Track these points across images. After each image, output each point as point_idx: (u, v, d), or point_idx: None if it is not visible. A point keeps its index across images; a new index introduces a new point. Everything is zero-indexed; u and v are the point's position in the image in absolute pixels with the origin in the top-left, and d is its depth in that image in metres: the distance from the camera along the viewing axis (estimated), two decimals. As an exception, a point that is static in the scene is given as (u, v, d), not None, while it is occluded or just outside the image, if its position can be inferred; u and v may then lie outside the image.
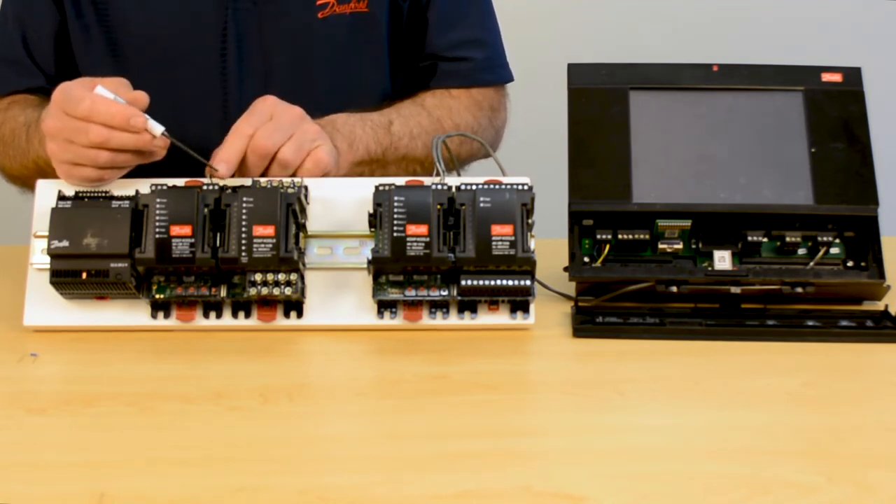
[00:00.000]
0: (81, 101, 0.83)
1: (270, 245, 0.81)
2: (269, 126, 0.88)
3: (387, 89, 1.14)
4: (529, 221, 0.82)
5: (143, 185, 0.85)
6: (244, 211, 0.81)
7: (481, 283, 0.81)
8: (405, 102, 1.10)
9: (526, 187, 0.83)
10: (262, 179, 0.84)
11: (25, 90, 1.09)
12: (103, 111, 0.83)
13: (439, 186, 0.83)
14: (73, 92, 0.85)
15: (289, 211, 0.82)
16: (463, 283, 0.81)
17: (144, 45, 1.06)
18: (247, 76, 1.08)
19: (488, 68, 1.15)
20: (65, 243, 0.81)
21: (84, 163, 0.85)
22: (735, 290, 0.88)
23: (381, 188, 0.83)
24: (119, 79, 0.88)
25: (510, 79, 1.18)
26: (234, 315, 0.84)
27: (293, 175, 0.88)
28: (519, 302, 0.84)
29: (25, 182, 1.06)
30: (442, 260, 0.81)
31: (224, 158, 0.86)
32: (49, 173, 0.94)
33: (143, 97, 0.86)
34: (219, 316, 0.84)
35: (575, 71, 0.96)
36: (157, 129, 0.84)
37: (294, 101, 0.93)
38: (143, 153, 0.86)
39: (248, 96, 1.04)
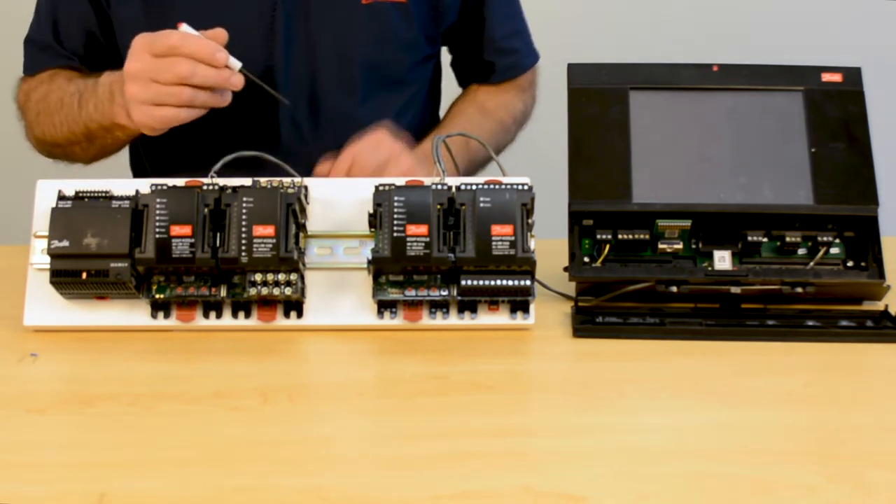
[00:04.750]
0: (169, 36, 0.90)
1: (270, 245, 0.81)
2: (370, 150, 0.98)
3: (427, 76, 1.21)
4: (529, 221, 0.82)
5: (143, 185, 0.85)
6: (244, 211, 0.81)
7: (481, 283, 0.81)
8: (469, 110, 1.19)
9: (526, 187, 0.83)
10: (262, 179, 0.84)
11: (59, 67, 1.13)
12: (191, 44, 0.90)
13: (439, 186, 0.83)
14: (158, 33, 0.91)
15: (289, 211, 0.82)
16: (463, 283, 0.81)
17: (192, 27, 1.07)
18: (292, 58, 1.10)
19: (529, 53, 1.25)
20: (65, 243, 0.81)
21: (165, 101, 0.91)
22: (735, 290, 0.88)
23: (381, 188, 0.83)
24: (184, 24, 0.93)
25: (539, 56, 1.27)
26: (234, 315, 0.84)
27: None
28: (519, 302, 0.84)
29: (66, 150, 1.10)
30: (442, 260, 0.81)
31: (324, 173, 0.98)
32: (97, 137, 1.02)
33: (222, 33, 0.93)
34: (219, 316, 0.84)
35: (575, 71, 0.96)
36: (236, 64, 0.93)
37: (335, 85, 1.05)
38: (217, 93, 0.93)
39: (293, 78, 1.10)
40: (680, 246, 0.91)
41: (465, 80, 1.27)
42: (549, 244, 0.95)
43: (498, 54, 1.21)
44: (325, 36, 1.11)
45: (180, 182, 0.84)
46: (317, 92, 1.12)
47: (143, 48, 0.91)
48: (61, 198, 0.84)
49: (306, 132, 1.13)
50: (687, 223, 0.90)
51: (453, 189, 0.83)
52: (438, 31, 1.19)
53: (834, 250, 0.91)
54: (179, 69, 0.89)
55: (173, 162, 1.16)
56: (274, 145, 1.11)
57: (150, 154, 1.21)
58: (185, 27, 0.91)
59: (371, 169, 0.97)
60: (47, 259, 0.82)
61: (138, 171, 1.25)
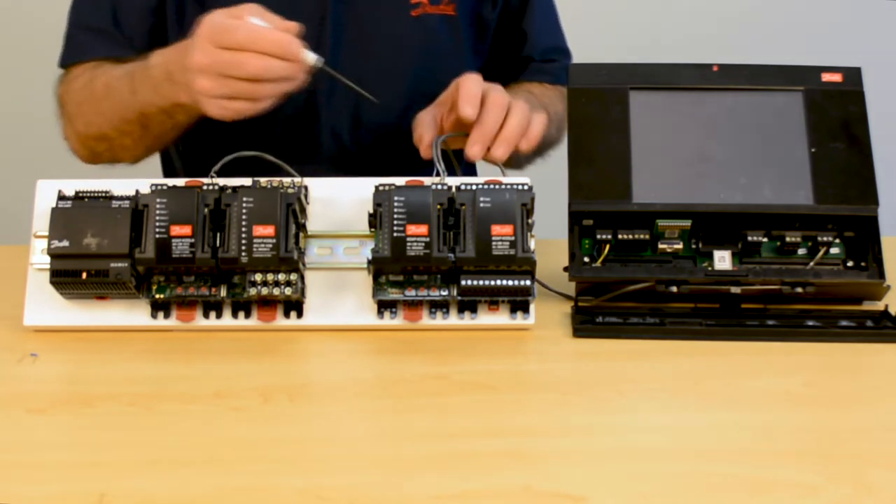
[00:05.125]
0: (237, 30, 0.82)
1: (270, 245, 0.81)
2: (492, 87, 0.92)
3: None
4: (529, 221, 0.82)
5: (143, 185, 0.85)
6: (244, 211, 0.81)
7: (481, 283, 0.81)
8: (517, 91, 1.13)
9: (526, 187, 0.83)
10: (263, 179, 0.84)
11: (111, 58, 1.07)
12: (262, 39, 0.82)
13: (439, 186, 0.83)
14: (224, 22, 0.84)
15: (289, 211, 0.82)
16: (463, 283, 0.81)
17: None
18: (339, 67, 1.08)
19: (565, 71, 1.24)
20: (65, 243, 0.81)
21: (242, 96, 0.85)
22: (735, 290, 0.88)
23: (381, 188, 0.83)
24: (256, 5, 0.86)
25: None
26: (234, 315, 0.84)
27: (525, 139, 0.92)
28: (519, 302, 0.84)
29: (114, 143, 1.03)
30: (442, 260, 0.81)
31: (469, 102, 0.89)
32: (155, 123, 0.96)
33: (295, 25, 0.86)
34: (219, 316, 0.84)
35: (575, 71, 0.96)
36: (311, 57, 0.85)
37: (383, 94, 0.98)
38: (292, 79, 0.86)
39: (338, 86, 1.06)
40: (680, 246, 0.91)
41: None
42: (549, 244, 0.95)
43: (537, 68, 1.21)
44: (374, 46, 1.09)
45: (180, 182, 0.84)
46: (360, 102, 1.09)
47: (207, 38, 0.84)
48: (61, 198, 0.84)
49: (346, 142, 1.12)
50: (687, 223, 0.90)
51: (453, 189, 0.83)
52: (484, 45, 1.18)
53: (834, 250, 0.91)
54: (251, 67, 0.83)
55: (209, 167, 1.14)
56: (314, 154, 1.10)
57: (185, 159, 1.19)
58: (252, 18, 0.84)
59: (507, 101, 0.92)
60: (47, 259, 0.82)
61: (169, 173, 1.23)
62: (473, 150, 0.90)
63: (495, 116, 0.90)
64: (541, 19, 1.20)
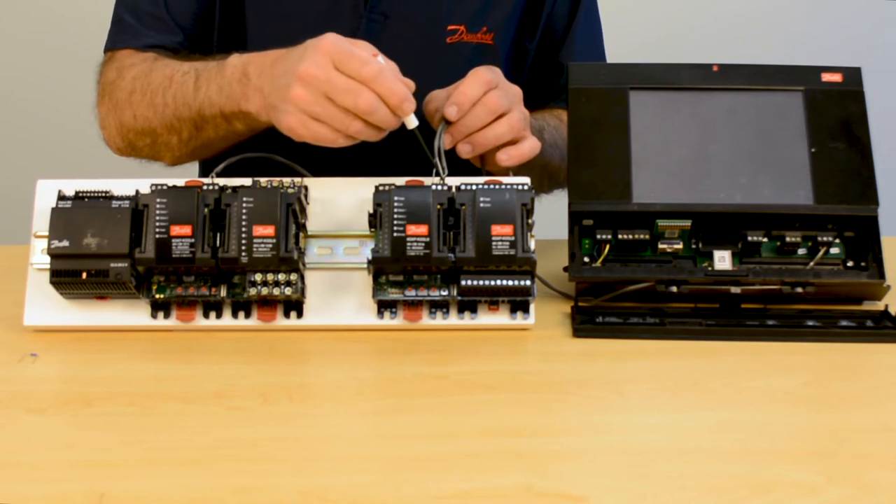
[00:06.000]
0: (368, 65, 0.80)
1: (270, 245, 0.81)
2: (498, 91, 0.88)
3: None
4: (529, 221, 0.82)
5: (144, 185, 0.85)
6: (244, 211, 0.81)
7: (481, 283, 0.81)
8: (546, 115, 1.11)
9: (526, 187, 0.83)
10: (262, 179, 0.84)
11: (162, 46, 1.05)
12: (385, 83, 0.80)
13: (439, 186, 0.83)
14: (354, 50, 0.81)
15: (289, 211, 0.82)
16: (463, 283, 0.81)
17: (274, 38, 0.96)
18: None
19: None
20: (65, 243, 0.81)
21: (332, 124, 0.81)
22: (735, 290, 0.88)
23: (381, 188, 0.83)
24: (370, 45, 0.84)
25: None
26: (234, 315, 0.84)
27: (510, 144, 0.89)
28: (519, 302, 0.84)
29: (158, 140, 0.99)
30: (442, 260, 0.81)
31: (457, 101, 0.87)
32: (210, 126, 0.93)
33: (412, 84, 0.84)
34: (219, 316, 0.84)
35: (575, 71, 0.96)
36: (413, 122, 0.84)
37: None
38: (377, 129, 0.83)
39: None
40: (680, 246, 0.91)
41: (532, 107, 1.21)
42: (549, 244, 0.95)
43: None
44: (404, 68, 1.02)
45: (180, 182, 0.84)
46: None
47: (329, 55, 0.80)
48: (61, 198, 0.84)
49: (367, 149, 1.09)
50: (687, 223, 0.90)
51: (453, 189, 0.83)
52: (521, 75, 1.16)
53: (834, 250, 0.91)
54: (363, 103, 0.80)
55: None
56: (330, 159, 1.08)
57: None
58: (381, 58, 0.82)
59: (502, 108, 0.88)
60: (47, 259, 0.82)
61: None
62: (444, 138, 0.89)
63: (478, 119, 0.88)
64: (581, 50, 1.17)
